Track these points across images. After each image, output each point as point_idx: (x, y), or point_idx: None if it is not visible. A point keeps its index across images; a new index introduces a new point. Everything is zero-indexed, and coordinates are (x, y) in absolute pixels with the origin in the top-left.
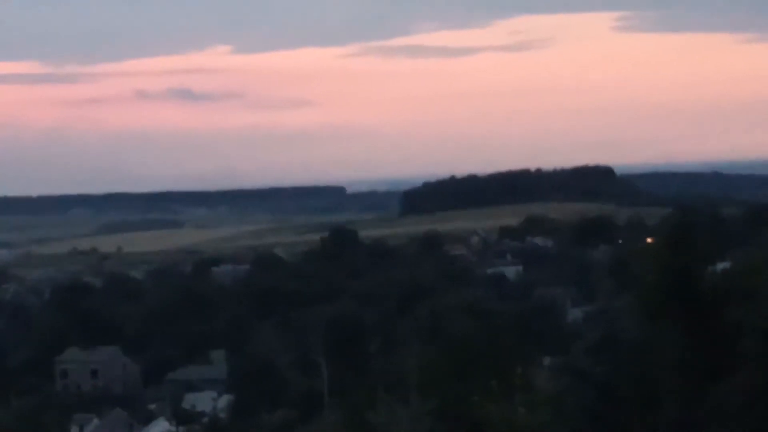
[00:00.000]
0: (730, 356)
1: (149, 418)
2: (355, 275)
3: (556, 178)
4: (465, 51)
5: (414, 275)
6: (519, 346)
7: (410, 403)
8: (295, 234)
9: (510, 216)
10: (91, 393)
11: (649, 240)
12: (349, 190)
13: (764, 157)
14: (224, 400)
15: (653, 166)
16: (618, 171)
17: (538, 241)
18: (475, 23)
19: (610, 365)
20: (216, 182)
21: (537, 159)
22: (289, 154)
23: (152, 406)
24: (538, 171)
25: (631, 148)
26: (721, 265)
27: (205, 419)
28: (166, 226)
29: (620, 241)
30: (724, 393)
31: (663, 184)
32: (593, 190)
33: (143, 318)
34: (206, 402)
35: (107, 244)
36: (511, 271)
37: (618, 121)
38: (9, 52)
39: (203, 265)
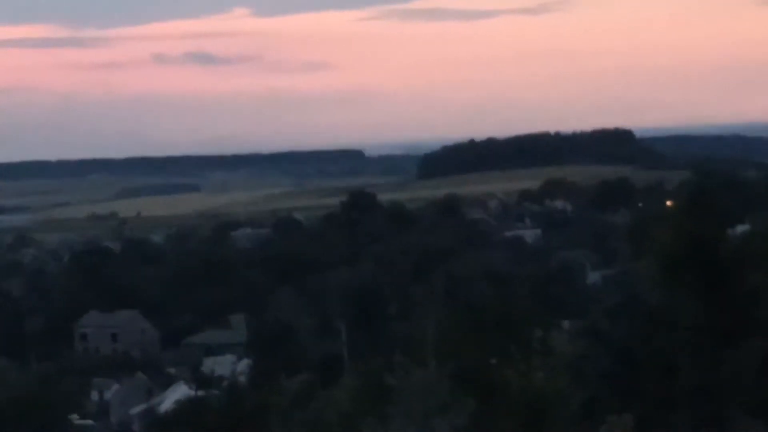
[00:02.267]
0: (748, 321)
1: (169, 383)
2: (373, 239)
3: (576, 141)
4: (484, 14)
5: (432, 239)
6: (537, 309)
7: (428, 367)
8: (313, 197)
9: (529, 179)
10: (111, 357)
11: (668, 203)
12: (368, 153)
13: None
14: (243, 364)
15: (673, 129)
16: (638, 134)
17: (557, 204)
18: None
19: (628, 329)
20: (234, 146)
21: (556, 122)
22: (308, 117)
23: (172, 370)
24: (557, 134)
25: (651, 110)
26: (740, 228)
27: (225, 383)
28: (185, 190)
29: (639, 205)
30: (740, 358)
31: (683, 147)
32: (613, 154)
33: (162, 282)
34: (226, 366)
35: (126, 208)
36: (530, 235)
37: (638, 84)
38: (26, 15)
39: (222, 229)
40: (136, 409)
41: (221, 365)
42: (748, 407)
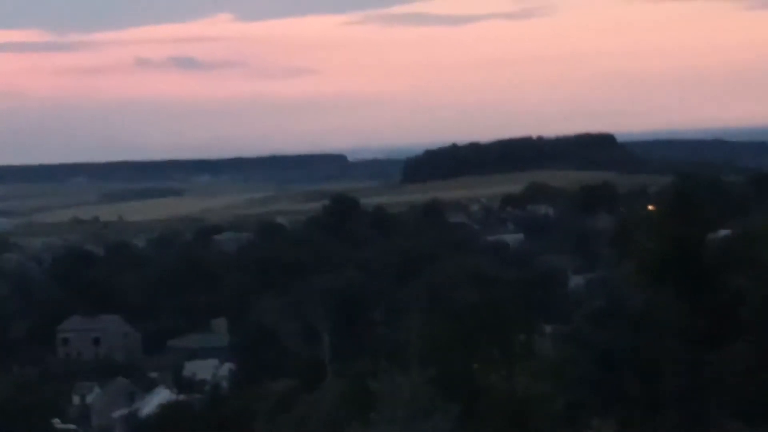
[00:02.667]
0: (731, 324)
1: (151, 386)
2: (356, 243)
3: (558, 146)
4: (466, 19)
5: (415, 244)
6: (520, 314)
7: (411, 372)
8: (297, 202)
9: (512, 184)
10: (93, 361)
11: (650, 208)
12: (351, 158)
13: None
14: (226, 369)
15: (655, 134)
16: (620, 139)
17: (540, 208)
18: None
19: (611, 333)
20: (217, 150)
21: (539, 127)
22: (291, 122)
23: (154, 375)
24: (540, 139)
25: (633, 115)
26: (723, 233)
27: (207, 387)
28: (168, 195)
29: (622, 209)
30: (723, 361)
31: (665, 152)
32: (595, 158)
33: (145, 286)
34: (208, 370)
35: (109, 212)
36: (513, 239)
37: (620, 89)
38: (9, 20)
39: (205, 234)
40: (118, 413)
41: (203, 369)
42: (732, 410)
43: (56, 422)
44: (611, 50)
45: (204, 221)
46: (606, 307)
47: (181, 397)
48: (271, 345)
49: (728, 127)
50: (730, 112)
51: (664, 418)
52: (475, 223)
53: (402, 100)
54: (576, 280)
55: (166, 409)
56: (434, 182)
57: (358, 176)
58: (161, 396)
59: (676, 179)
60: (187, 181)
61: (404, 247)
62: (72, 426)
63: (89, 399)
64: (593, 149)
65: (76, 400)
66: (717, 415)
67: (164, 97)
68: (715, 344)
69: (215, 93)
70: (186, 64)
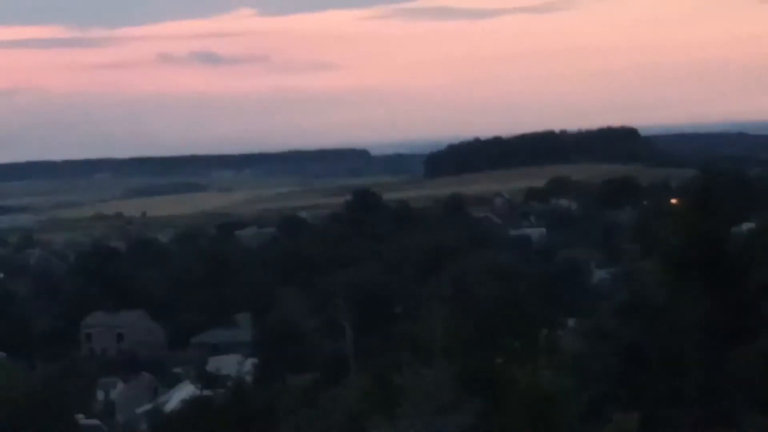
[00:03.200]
0: (755, 318)
1: (174, 382)
2: (379, 238)
3: (581, 139)
4: (489, 13)
5: (438, 238)
6: (543, 308)
7: (434, 366)
8: (319, 197)
9: (535, 178)
10: (117, 357)
11: (673, 201)
12: (374, 152)
13: None
14: (249, 364)
15: (678, 127)
16: (642, 132)
17: (563, 202)
18: None
19: (634, 328)
20: (240, 146)
21: (561, 121)
22: (314, 117)
23: (177, 370)
24: (563, 132)
25: (656, 109)
26: (746, 226)
27: (230, 382)
28: (191, 190)
29: (645, 203)
30: (748, 355)
31: (688, 145)
32: (618, 152)
33: (168, 281)
34: (231, 365)
35: (132, 208)
36: (536, 233)
37: (642, 82)
38: (33, 16)
39: (228, 229)
40: (142, 409)
41: (227, 364)
42: (756, 404)
43: (80, 418)
44: (633, 44)
45: (227, 216)
46: (630, 301)
47: (205, 392)
48: (294, 340)
49: (751, 120)
50: (752, 105)
51: (687, 412)
52: (498, 217)
53: (425, 94)
54: (599, 275)
55: (189, 404)
56: (457, 176)
57: (381, 171)
58: (185, 391)
59: (700, 173)
60: (210, 176)
61: (427, 242)
62: (96, 421)
63: (113, 395)
64: (616, 143)
65: (100, 395)
66: (742, 410)
67: (186, 92)
68: (740, 338)
69: (237, 88)
70: (208, 59)
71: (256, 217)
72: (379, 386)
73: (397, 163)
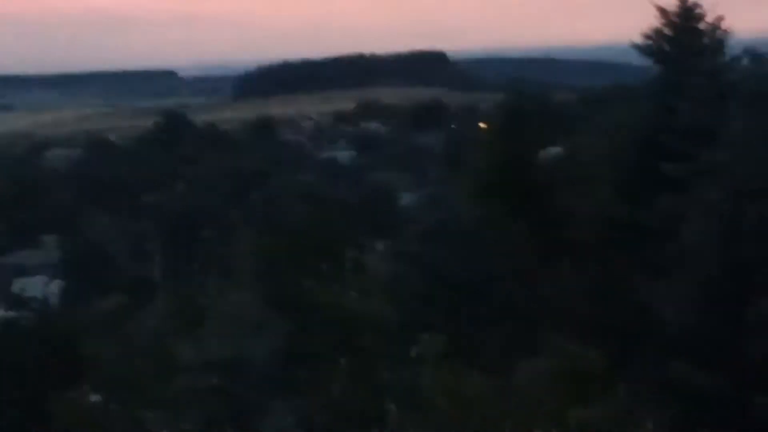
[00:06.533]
0: (559, 242)
1: None
2: (188, 161)
3: (391, 63)
4: None
5: (248, 161)
6: (351, 231)
7: (242, 288)
8: (128, 118)
9: (344, 101)
10: None
11: (481, 125)
12: (182, 74)
13: (599, 43)
14: (55, 285)
15: (487, 52)
16: (451, 57)
17: (372, 126)
18: None
19: (442, 250)
20: (46, 66)
21: (372, 44)
22: (120, 37)
23: None
24: (373, 56)
25: (465, 32)
26: (553, 151)
27: (36, 304)
28: None
29: (453, 127)
30: (552, 278)
31: (497, 70)
32: (427, 76)
33: None
34: (37, 287)
35: None
36: (345, 156)
37: (451, 6)
38: None
39: (34, 149)
40: None
41: (32, 286)
42: (559, 327)
43: None
44: None
45: (33, 137)
46: (437, 224)
47: (10, 313)
48: (101, 262)
49: (560, 46)
50: (561, 30)
51: (492, 334)
52: (308, 140)
53: (234, 15)
54: (407, 197)
55: None
56: (267, 99)
57: (190, 92)
58: None
59: (506, 97)
60: (16, 96)
61: (236, 165)
62: None
63: None
64: (425, 67)
65: None
66: (543, 334)
67: None
68: (545, 263)
69: (43, 7)
70: None
71: (64, 138)
72: (184, 307)
73: (205, 84)
